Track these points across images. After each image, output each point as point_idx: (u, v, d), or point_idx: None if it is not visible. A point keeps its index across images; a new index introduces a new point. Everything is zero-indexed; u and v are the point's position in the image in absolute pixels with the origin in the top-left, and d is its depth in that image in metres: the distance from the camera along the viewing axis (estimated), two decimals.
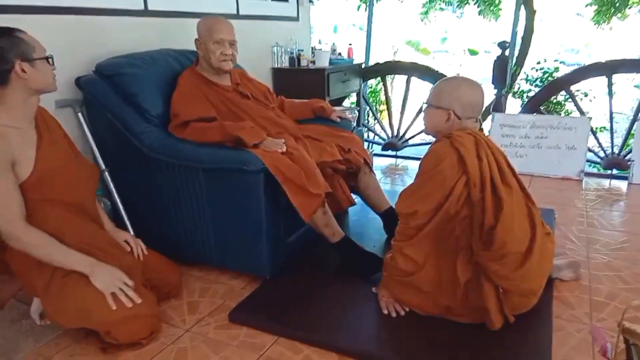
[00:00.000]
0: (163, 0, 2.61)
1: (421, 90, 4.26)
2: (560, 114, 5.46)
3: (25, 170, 1.55)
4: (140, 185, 2.15)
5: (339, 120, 2.59)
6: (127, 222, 2.19)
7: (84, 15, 2.20)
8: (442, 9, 8.32)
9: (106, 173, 2.18)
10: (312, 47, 3.97)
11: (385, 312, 1.77)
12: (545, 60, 5.84)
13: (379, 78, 4.55)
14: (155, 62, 2.26)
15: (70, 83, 2.15)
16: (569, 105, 5.73)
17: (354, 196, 2.45)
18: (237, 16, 3.17)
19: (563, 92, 4.21)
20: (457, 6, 8.03)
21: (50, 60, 1.58)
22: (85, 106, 2.18)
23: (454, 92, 1.70)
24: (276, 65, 3.57)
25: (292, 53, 3.58)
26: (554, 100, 5.58)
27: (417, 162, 3.96)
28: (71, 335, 1.74)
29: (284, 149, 1.97)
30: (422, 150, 4.10)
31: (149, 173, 2.08)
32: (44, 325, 1.80)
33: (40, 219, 1.59)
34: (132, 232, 2.10)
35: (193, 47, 2.26)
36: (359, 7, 8.24)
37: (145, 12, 2.52)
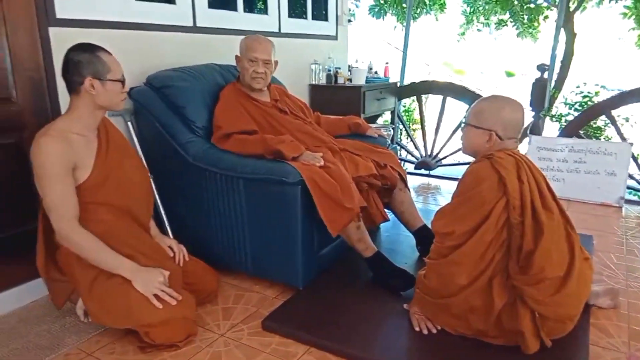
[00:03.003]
0: (210, 18, 2.75)
1: (455, 110, 4.27)
2: (599, 140, 5.33)
3: (83, 175, 1.67)
4: (183, 192, 2.24)
5: (376, 136, 2.63)
6: (168, 227, 2.27)
7: (138, 30, 2.35)
8: (479, 30, 8.31)
9: (151, 179, 2.28)
10: (349, 65, 4.05)
11: (417, 329, 1.77)
12: (585, 84, 5.73)
13: (412, 97, 4.57)
14: (202, 76, 2.37)
15: None
16: (609, 131, 5.58)
17: (387, 212, 2.47)
18: (279, 34, 3.28)
19: (603, 117, 4.13)
20: (495, 28, 8.01)
21: (122, 83, 1.70)
22: (135, 115, 2.30)
23: (496, 113, 1.67)
24: (314, 82, 3.65)
25: (329, 70, 3.67)
26: (594, 125, 5.45)
27: (450, 182, 3.97)
28: (111, 334, 1.81)
29: (322, 163, 2.02)
30: (455, 171, 4.11)
31: (191, 181, 2.17)
32: (87, 322, 1.88)
33: (89, 220, 1.69)
34: (171, 237, 2.17)
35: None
36: (395, 26, 8.31)
37: (194, 29, 2.65)
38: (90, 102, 1.67)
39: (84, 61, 1.62)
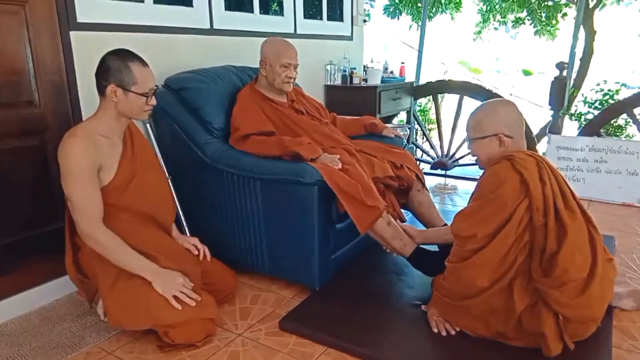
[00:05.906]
0: (227, 20, 2.77)
1: (472, 109, 4.22)
2: (620, 138, 5.23)
3: (107, 177, 1.70)
4: (200, 193, 2.26)
5: (392, 136, 2.61)
6: (186, 228, 2.30)
7: (156, 33, 2.38)
8: (496, 29, 8.22)
9: (169, 180, 2.30)
10: (364, 65, 4.04)
11: (435, 330, 1.75)
12: (605, 82, 5.64)
13: (428, 97, 4.54)
14: (219, 77, 2.38)
15: None
16: (630, 129, 5.49)
17: (404, 213, 2.45)
18: (294, 35, 3.29)
19: (624, 116, 4.06)
20: (512, 26, 7.91)
21: (147, 97, 1.70)
22: (154, 117, 2.32)
23: (493, 116, 1.69)
24: (329, 83, 3.65)
25: (345, 71, 3.66)
26: (614, 124, 5.36)
27: (467, 182, 3.92)
28: (131, 333, 1.83)
29: (340, 166, 2.01)
30: (472, 171, 4.07)
31: (209, 182, 2.18)
32: (106, 321, 1.90)
33: (112, 221, 1.71)
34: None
35: (253, 64, 2.36)
36: (410, 26, 8.27)
37: (211, 31, 2.67)
38: (113, 108, 1.69)
39: (112, 68, 1.64)
